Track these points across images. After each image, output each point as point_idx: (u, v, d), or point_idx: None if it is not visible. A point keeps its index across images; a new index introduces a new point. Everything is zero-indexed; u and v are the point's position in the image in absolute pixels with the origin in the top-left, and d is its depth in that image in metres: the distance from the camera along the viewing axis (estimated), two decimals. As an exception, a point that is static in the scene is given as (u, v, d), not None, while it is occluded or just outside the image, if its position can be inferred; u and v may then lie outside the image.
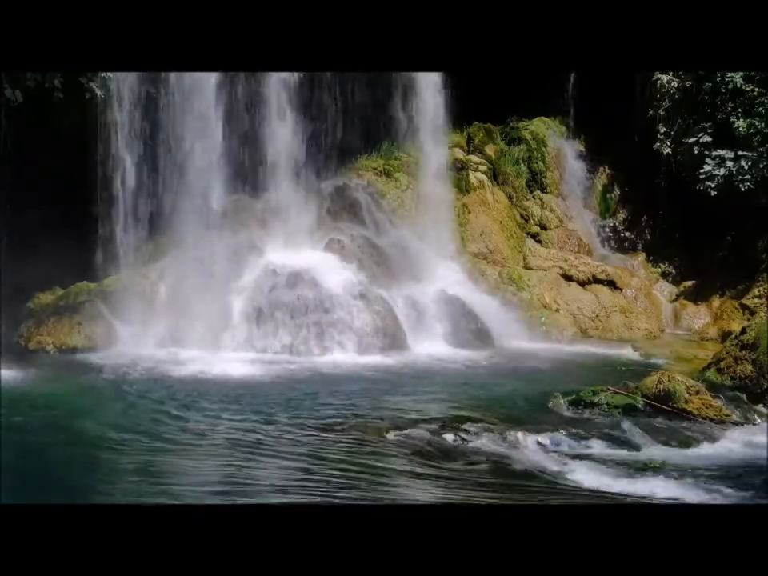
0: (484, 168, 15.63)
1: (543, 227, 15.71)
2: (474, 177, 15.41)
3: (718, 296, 14.75)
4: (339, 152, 14.37)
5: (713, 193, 14.05)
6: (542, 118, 16.54)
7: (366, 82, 14.33)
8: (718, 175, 14.01)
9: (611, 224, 16.39)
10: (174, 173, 12.19)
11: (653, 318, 14.52)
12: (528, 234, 15.65)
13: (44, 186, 11.39)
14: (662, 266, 15.80)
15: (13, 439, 7.10)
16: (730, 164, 13.93)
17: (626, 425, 7.93)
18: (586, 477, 6.48)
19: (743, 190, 13.86)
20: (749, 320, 11.81)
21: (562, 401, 8.67)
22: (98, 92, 11.33)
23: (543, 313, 13.73)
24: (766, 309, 13.31)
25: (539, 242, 15.54)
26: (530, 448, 7.32)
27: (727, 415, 8.34)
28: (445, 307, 12.62)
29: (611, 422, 8.12)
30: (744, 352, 9.23)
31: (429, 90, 14.37)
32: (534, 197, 16.01)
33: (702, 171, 14.18)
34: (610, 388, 8.70)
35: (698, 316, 14.70)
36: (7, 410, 7.94)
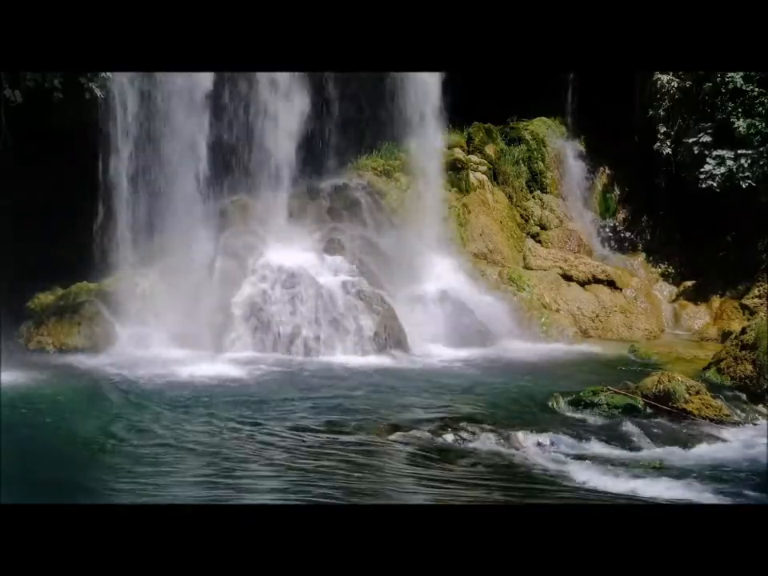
0: (484, 168, 15.62)
1: (543, 227, 15.71)
2: (473, 177, 15.40)
3: (718, 296, 14.74)
4: (339, 152, 14.36)
5: (716, 190, 14.04)
6: (542, 118, 16.53)
7: (366, 82, 14.32)
8: (718, 174, 14.01)
9: (611, 224, 16.37)
10: (174, 173, 12.18)
11: (653, 318, 14.52)
12: (528, 234, 15.65)
13: (43, 186, 11.38)
14: (662, 266, 15.78)
15: (13, 439, 7.11)
16: (730, 162, 13.93)
17: (625, 425, 7.93)
18: (586, 477, 6.48)
19: (744, 186, 13.86)
20: (749, 320, 11.81)
21: (561, 401, 8.68)
22: (98, 92, 11.31)
23: (543, 313, 13.72)
24: (766, 309, 13.30)
25: (539, 241, 15.54)
26: (530, 448, 7.31)
27: (727, 415, 8.34)
28: (445, 307, 12.62)
29: (611, 422, 8.13)
30: (744, 352, 9.24)
31: (429, 90, 14.35)
32: (534, 197, 16.00)
33: (702, 171, 14.18)
34: (610, 388, 8.70)
35: (698, 316, 14.69)
36: (7, 410, 7.95)
